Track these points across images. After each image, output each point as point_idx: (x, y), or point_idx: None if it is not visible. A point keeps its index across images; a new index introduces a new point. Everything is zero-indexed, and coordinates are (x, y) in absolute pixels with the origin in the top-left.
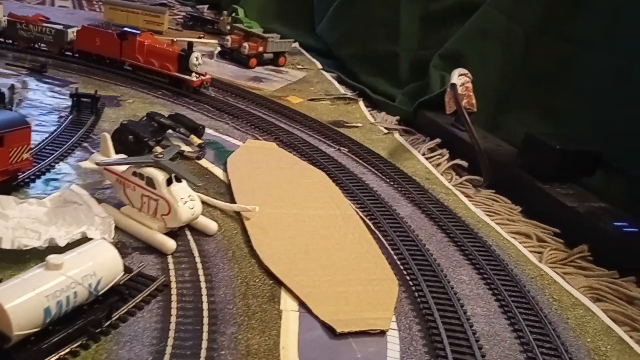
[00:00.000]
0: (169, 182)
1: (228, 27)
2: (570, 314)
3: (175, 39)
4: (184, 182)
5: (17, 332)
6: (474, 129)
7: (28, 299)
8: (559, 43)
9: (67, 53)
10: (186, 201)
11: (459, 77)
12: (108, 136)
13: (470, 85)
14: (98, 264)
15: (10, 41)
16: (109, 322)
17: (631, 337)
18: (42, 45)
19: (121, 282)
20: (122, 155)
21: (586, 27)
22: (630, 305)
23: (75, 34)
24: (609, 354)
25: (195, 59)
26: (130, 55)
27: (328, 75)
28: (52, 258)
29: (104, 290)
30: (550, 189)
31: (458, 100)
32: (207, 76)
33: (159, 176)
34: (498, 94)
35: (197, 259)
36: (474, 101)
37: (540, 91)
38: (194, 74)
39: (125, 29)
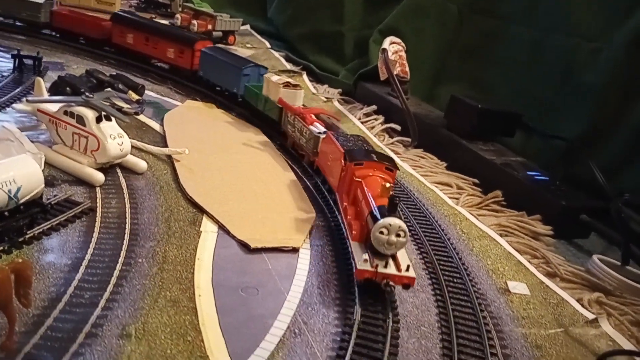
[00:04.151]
0: (98, 120)
1: (180, 9)
2: (476, 244)
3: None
4: (113, 121)
5: None
6: (404, 94)
7: None
8: (487, 19)
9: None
10: (115, 137)
11: (391, 45)
12: (41, 80)
13: (403, 54)
14: (18, 173)
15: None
16: (30, 232)
17: (530, 262)
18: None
19: (46, 202)
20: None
21: (510, 4)
22: (535, 240)
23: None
24: (505, 273)
25: (384, 231)
26: (341, 195)
27: (276, 54)
28: None
29: (25, 200)
30: (473, 145)
31: (388, 64)
32: (409, 274)
33: (89, 114)
34: (433, 67)
35: (125, 191)
36: (407, 69)
37: (470, 64)
38: (364, 257)
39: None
